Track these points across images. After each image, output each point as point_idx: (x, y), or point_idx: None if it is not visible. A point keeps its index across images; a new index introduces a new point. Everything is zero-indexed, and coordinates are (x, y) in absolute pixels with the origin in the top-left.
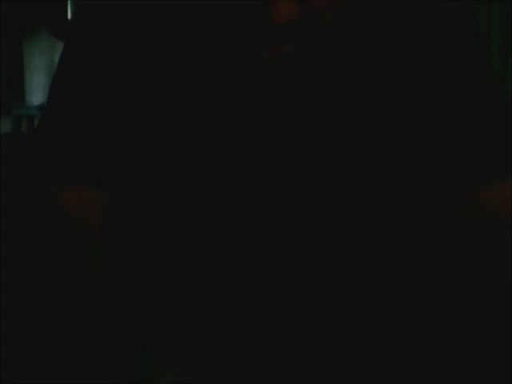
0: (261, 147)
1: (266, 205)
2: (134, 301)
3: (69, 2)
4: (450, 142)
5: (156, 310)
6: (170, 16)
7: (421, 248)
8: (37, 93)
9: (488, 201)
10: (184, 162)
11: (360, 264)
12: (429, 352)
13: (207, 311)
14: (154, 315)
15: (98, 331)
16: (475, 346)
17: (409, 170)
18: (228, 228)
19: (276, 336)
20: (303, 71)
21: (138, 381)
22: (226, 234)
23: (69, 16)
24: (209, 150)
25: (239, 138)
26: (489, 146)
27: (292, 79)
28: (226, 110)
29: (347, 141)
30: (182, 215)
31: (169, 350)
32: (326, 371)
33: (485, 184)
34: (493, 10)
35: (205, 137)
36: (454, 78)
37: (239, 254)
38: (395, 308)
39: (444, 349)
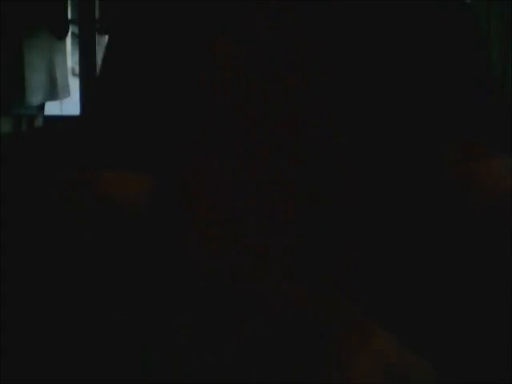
0: (262, 146)
1: (265, 204)
2: (134, 301)
3: (69, 2)
4: (451, 142)
5: (157, 310)
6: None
7: (416, 239)
8: (37, 93)
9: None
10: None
11: (357, 254)
12: (428, 351)
13: (206, 312)
14: (155, 315)
15: (97, 331)
16: (474, 343)
17: (408, 170)
18: (228, 226)
19: (276, 334)
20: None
21: (137, 380)
22: (226, 233)
23: (69, 16)
24: (213, 149)
25: (242, 138)
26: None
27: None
28: (230, 112)
29: (344, 135)
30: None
31: (168, 350)
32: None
33: (473, 159)
34: (493, 10)
35: (210, 136)
36: (454, 77)
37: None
38: (394, 304)
39: (443, 347)
